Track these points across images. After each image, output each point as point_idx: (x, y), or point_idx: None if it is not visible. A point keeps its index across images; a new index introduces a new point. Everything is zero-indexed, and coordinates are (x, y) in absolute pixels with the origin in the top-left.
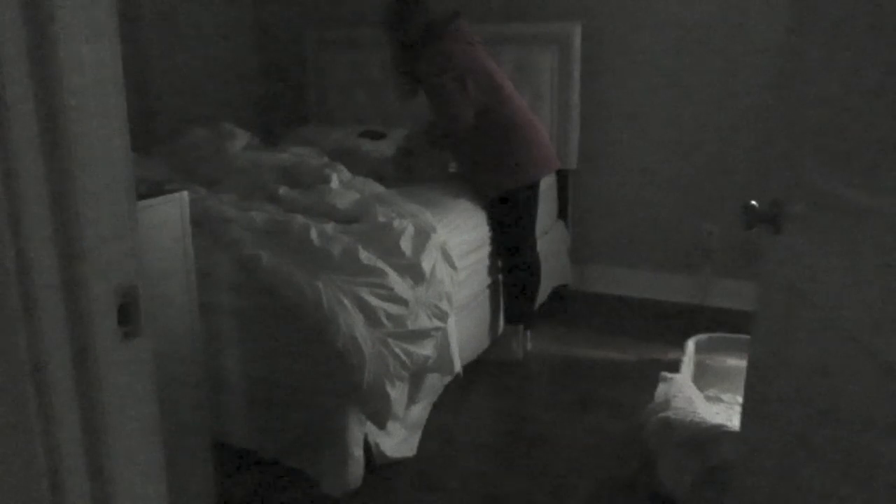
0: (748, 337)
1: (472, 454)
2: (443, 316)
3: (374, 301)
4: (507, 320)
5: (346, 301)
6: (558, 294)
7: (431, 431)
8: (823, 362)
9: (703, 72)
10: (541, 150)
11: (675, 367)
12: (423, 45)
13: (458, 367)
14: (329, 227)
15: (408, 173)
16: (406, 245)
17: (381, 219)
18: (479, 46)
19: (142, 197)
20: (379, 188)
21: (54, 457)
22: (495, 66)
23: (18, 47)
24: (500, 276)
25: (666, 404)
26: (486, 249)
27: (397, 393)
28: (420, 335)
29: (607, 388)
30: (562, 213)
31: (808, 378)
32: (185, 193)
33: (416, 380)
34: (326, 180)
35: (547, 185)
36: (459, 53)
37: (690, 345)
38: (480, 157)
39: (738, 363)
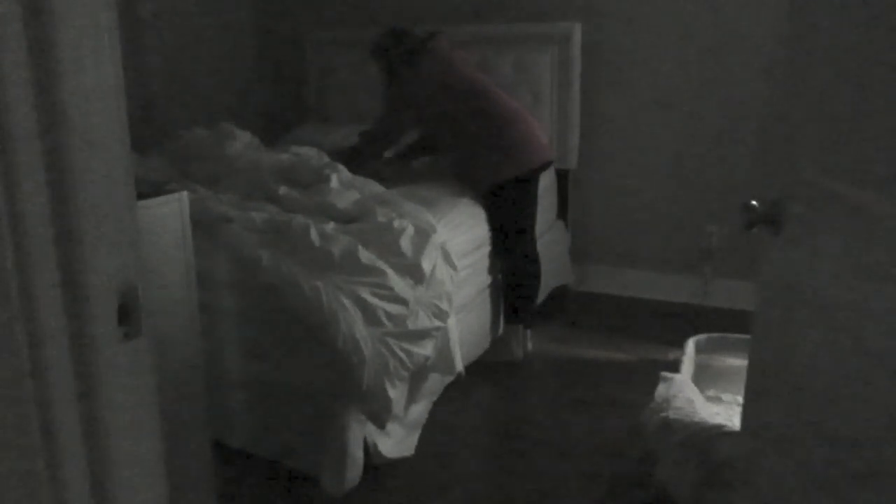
0: (748, 337)
1: (471, 454)
2: (443, 316)
3: (374, 301)
4: (507, 320)
5: (346, 301)
6: (558, 294)
7: (431, 431)
8: (823, 362)
9: (703, 71)
10: (531, 140)
11: (675, 367)
12: (401, 69)
13: (459, 367)
14: (329, 227)
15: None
16: (406, 245)
17: (381, 219)
18: (457, 61)
19: (142, 197)
20: (379, 188)
21: (54, 457)
22: (477, 76)
23: (18, 47)
24: (500, 276)
25: (666, 404)
26: (486, 249)
27: (397, 393)
28: (420, 335)
29: (607, 388)
30: (562, 213)
31: (808, 378)
32: (185, 193)
33: (416, 380)
34: (326, 180)
35: (547, 185)
36: (433, 76)
37: (690, 345)
38: (472, 152)
39: (738, 363)
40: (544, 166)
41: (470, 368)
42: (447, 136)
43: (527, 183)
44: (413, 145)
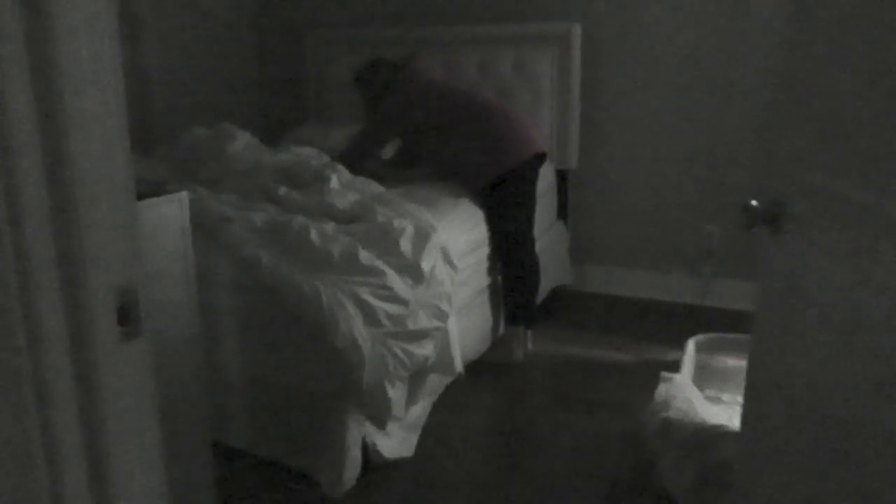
0: (748, 337)
1: (471, 454)
2: (443, 316)
3: (373, 301)
4: (508, 321)
5: (345, 301)
6: (558, 294)
7: (431, 432)
8: (823, 362)
9: (703, 71)
10: (518, 133)
11: (675, 367)
12: (381, 96)
13: (459, 367)
14: (329, 227)
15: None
16: (406, 245)
17: (381, 219)
18: (434, 76)
19: (142, 197)
20: (379, 188)
21: (54, 457)
22: (456, 85)
23: (18, 47)
24: (500, 277)
25: (666, 404)
26: (486, 249)
27: (397, 393)
28: (420, 335)
29: (607, 388)
30: (561, 213)
31: (808, 378)
32: (185, 193)
33: (416, 380)
34: (326, 180)
35: (547, 185)
36: (411, 95)
37: (690, 345)
38: (461, 155)
39: (738, 363)
40: (537, 158)
41: (470, 369)
42: (435, 146)
43: (522, 178)
44: (397, 159)
